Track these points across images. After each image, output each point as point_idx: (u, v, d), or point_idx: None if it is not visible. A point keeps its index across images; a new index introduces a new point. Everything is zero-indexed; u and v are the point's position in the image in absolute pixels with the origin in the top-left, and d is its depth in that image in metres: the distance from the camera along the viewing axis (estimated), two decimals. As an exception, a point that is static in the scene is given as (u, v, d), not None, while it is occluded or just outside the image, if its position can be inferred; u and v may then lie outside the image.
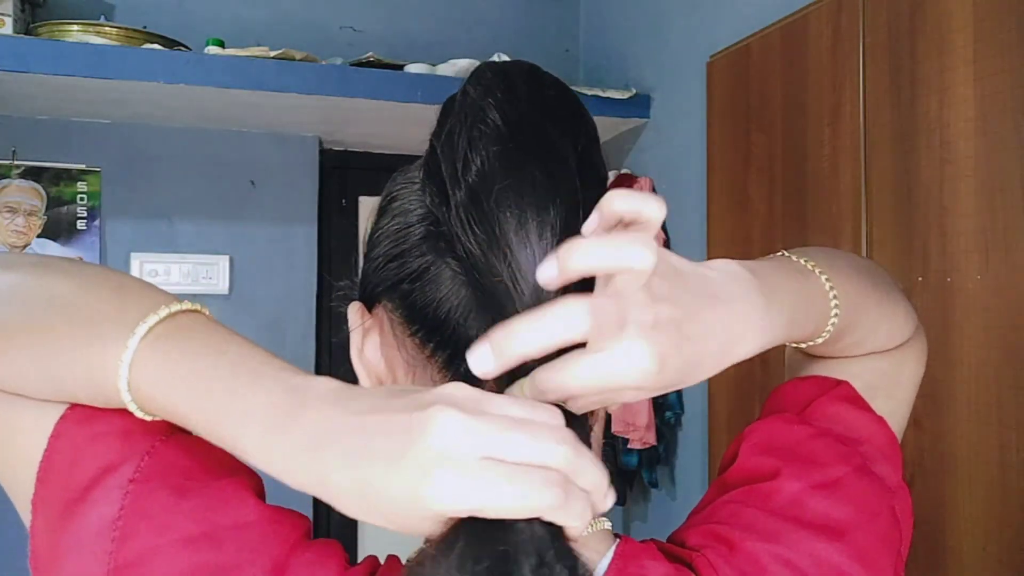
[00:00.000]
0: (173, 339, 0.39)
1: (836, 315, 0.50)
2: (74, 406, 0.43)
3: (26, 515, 0.43)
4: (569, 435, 0.36)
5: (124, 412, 0.42)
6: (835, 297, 0.50)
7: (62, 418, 0.42)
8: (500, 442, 0.34)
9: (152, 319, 0.39)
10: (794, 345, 0.55)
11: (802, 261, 0.51)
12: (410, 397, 0.35)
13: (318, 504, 2.40)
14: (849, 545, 0.48)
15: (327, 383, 0.37)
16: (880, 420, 0.55)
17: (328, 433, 0.34)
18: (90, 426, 0.42)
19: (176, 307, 0.40)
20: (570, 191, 0.43)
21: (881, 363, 0.58)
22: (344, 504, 0.35)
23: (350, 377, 0.44)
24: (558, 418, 0.37)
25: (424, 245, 0.46)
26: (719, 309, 0.40)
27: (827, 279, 0.50)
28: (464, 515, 0.34)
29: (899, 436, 0.58)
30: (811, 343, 0.53)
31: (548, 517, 0.34)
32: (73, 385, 0.41)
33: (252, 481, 0.45)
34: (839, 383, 0.56)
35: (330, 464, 0.34)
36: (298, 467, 0.35)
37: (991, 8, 1.13)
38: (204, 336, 0.39)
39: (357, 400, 0.36)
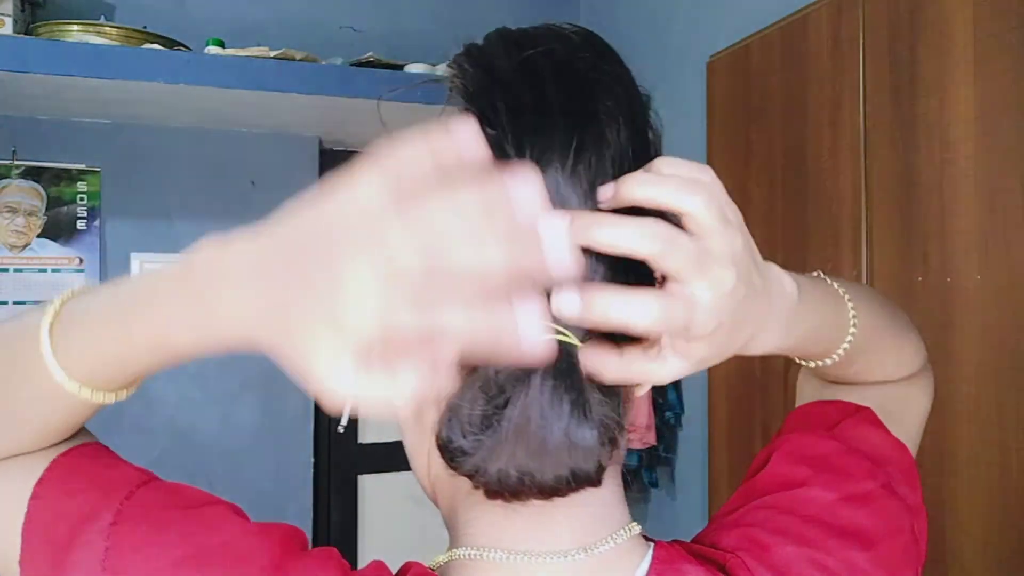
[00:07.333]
0: (69, 325, 0.40)
1: (850, 340, 0.52)
2: (50, 467, 0.44)
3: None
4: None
5: (97, 467, 0.45)
6: (854, 324, 0.52)
7: (39, 481, 0.44)
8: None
9: (45, 324, 0.40)
10: (804, 364, 0.57)
11: (835, 285, 0.53)
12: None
13: (318, 516, 2.40)
14: (878, 555, 0.49)
15: (203, 257, 0.35)
16: (901, 444, 0.58)
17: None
18: (67, 484, 0.44)
19: (51, 308, 0.41)
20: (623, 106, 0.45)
21: (891, 390, 0.61)
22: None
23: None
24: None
25: None
26: (762, 297, 0.41)
27: (852, 307, 0.52)
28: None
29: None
30: (821, 363, 0.55)
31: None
32: (35, 419, 0.43)
33: (231, 507, 0.46)
34: (861, 408, 0.59)
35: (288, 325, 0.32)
36: (237, 337, 0.35)
37: (991, 8, 1.13)
38: (87, 300, 0.41)
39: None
